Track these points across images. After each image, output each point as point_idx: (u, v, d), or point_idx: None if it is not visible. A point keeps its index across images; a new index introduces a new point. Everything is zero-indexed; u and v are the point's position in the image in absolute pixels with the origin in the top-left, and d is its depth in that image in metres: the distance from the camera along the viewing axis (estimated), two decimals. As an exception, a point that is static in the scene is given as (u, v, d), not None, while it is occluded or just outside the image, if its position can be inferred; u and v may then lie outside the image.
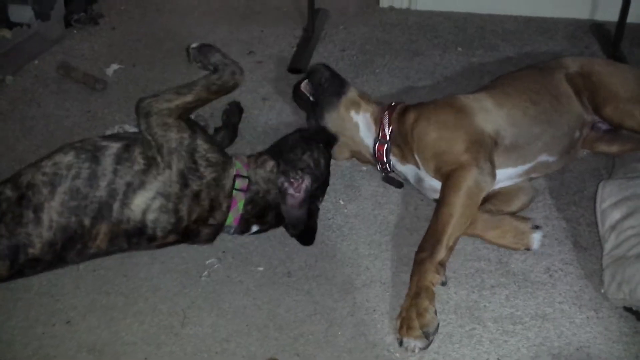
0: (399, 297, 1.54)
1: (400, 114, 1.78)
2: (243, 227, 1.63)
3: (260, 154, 1.72)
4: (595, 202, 1.64)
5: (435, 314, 1.42)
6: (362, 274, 1.61)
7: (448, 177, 1.59)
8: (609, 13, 2.56)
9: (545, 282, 1.57)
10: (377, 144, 1.80)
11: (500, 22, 2.71)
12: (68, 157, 1.51)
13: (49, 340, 1.46)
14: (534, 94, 1.77)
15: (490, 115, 1.71)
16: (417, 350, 1.40)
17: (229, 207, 1.58)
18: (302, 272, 1.62)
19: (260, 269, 1.62)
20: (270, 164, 1.65)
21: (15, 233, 1.44)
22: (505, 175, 1.72)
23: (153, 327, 1.48)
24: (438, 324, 1.42)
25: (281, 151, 1.69)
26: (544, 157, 1.75)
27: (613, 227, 1.54)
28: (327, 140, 1.83)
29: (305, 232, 1.65)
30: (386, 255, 1.66)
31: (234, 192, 1.58)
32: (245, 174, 1.61)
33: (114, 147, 1.55)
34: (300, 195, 1.59)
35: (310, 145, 1.71)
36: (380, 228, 1.75)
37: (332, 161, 1.93)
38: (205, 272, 1.62)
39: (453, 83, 2.32)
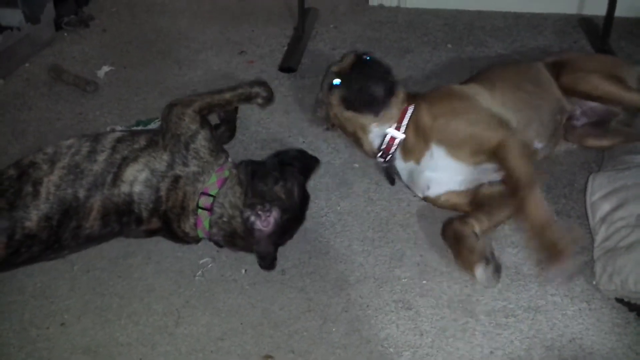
0: (392, 293, 1.55)
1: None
2: (217, 243, 1.63)
3: (238, 168, 1.64)
4: (585, 195, 1.65)
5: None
6: (355, 271, 1.62)
7: (497, 151, 1.60)
8: (597, 7, 2.57)
9: (538, 274, 1.58)
10: (388, 137, 1.76)
11: (489, 19, 2.72)
12: (70, 141, 1.62)
13: (43, 343, 1.45)
14: (518, 80, 1.83)
15: (486, 98, 1.74)
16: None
17: (196, 224, 1.58)
18: (295, 270, 1.62)
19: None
20: (239, 190, 1.59)
21: (14, 205, 1.49)
22: None
23: (148, 327, 1.49)
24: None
25: (253, 178, 1.61)
26: (536, 144, 1.79)
27: (603, 219, 1.56)
28: (307, 164, 1.73)
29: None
30: (379, 251, 1.67)
31: (199, 210, 1.57)
32: (213, 192, 1.58)
33: (119, 133, 1.67)
34: (268, 229, 1.52)
35: (284, 174, 1.61)
36: (373, 224, 1.76)
37: (324, 159, 1.94)
38: (199, 272, 1.62)
39: (443, 79, 2.33)
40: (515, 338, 1.44)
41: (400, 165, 1.78)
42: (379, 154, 1.79)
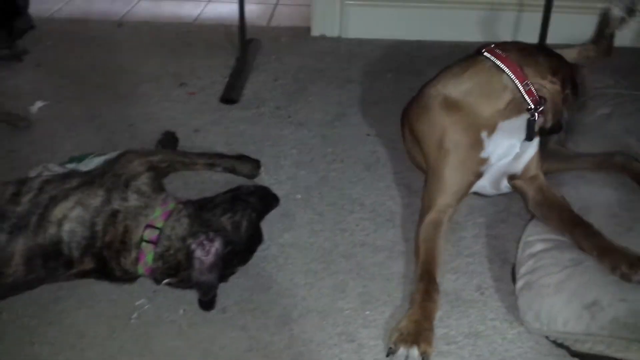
0: (335, 325, 1.53)
1: None
2: (155, 280, 1.58)
3: (185, 204, 1.62)
4: (522, 234, 1.66)
5: None
6: (298, 305, 1.59)
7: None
8: (531, 36, 2.69)
9: (477, 299, 1.60)
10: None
11: (427, 48, 2.80)
12: None
13: (-36, 400, 1.36)
14: None
15: None
16: None
17: (137, 259, 1.53)
18: (237, 307, 1.58)
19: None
20: (186, 221, 1.55)
21: None
22: None
23: (80, 376, 1.41)
24: None
25: (202, 209, 1.59)
26: None
27: (533, 255, 1.55)
28: (266, 202, 1.74)
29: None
30: (322, 283, 1.65)
31: (143, 243, 1.52)
32: (159, 224, 1.54)
33: (47, 176, 1.61)
34: (209, 258, 1.48)
35: (235, 207, 1.59)
36: (316, 256, 1.74)
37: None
38: (135, 314, 1.56)
39: (384, 108, 2.37)
40: (458, 365, 1.44)
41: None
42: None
